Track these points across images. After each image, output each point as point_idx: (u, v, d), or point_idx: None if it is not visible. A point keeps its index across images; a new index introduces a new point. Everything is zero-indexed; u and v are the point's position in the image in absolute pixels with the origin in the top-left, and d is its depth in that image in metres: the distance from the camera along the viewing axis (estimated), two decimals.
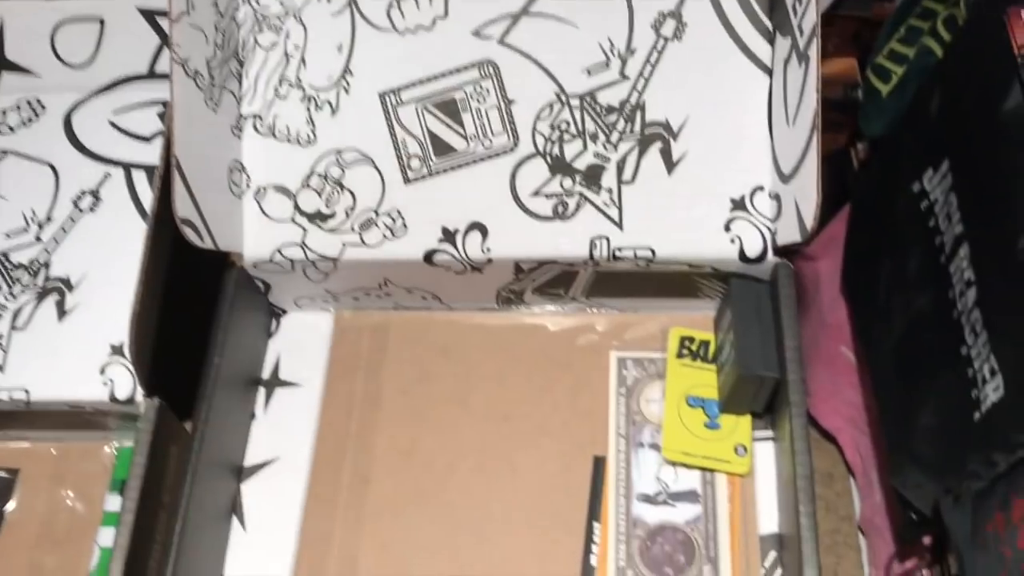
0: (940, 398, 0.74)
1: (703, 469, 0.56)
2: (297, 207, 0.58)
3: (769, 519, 0.55)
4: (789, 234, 0.52)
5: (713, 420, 0.57)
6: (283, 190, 0.59)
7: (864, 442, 0.99)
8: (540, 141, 0.57)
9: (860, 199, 0.91)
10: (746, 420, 0.57)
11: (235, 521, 0.58)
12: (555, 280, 0.59)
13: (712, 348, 0.59)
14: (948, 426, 0.72)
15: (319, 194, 0.58)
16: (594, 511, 0.56)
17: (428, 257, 0.57)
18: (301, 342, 0.63)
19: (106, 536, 0.56)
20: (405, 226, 0.57)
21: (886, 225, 0.85)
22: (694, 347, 0.59)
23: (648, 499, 0.56)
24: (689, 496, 0.56)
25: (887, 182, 0.84)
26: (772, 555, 0.54)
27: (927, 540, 0.81)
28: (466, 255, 0.57)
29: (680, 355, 0.59)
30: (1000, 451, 0.62)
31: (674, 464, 0.56)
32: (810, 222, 0.50)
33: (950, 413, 0.72)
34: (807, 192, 0.49)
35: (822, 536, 1.07)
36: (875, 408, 0.93)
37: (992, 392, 0.66)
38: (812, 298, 1.05)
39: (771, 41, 0.55)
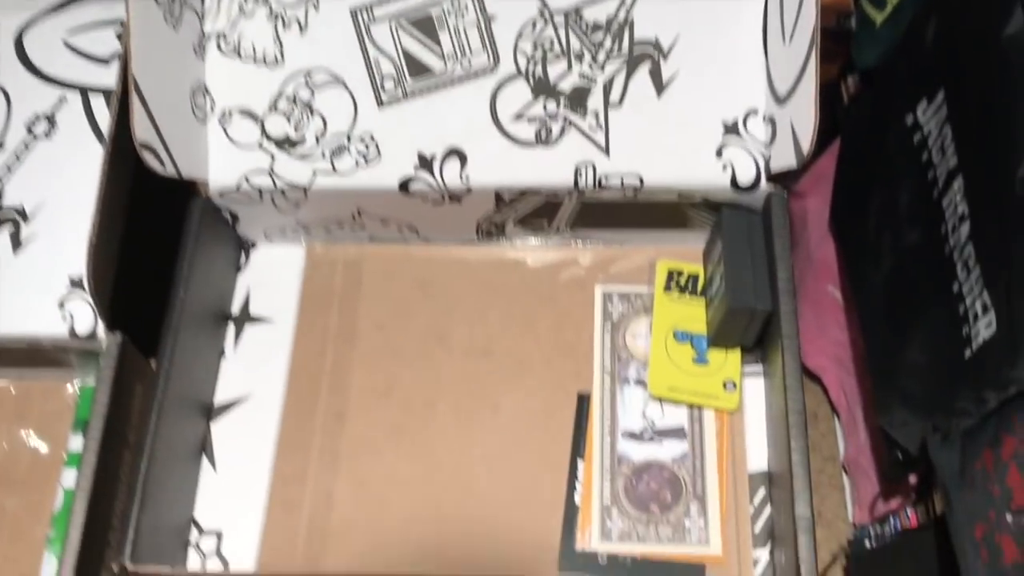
0: (929, 335, 0.73)
1: (690, 405, 0.54)
2: (264, 132, 0.55)
3: (758, 456, 0.54)
4: (784, 160, 0.50)
5: (701, 355, 0.55)
6: (249, 114, 0.55)
7: (849, 381, 0.98)
8: (522, 61, 0.54)
9: (850, 133, 0.89)
10: (735, 355, 0.55)
11: (205, 461, 0.55)
12: (538, 211, 0.56)
13: (701, 281, 0.57)
14: (937, 363, 0.71)
15: (288, 118, 0.55)
16: (578, 449, 0.54)
17: (404, 185, 0.54)
18: (272, 276, 0.60)
19: (69, 477, 0.54)
20: (379, 152, 0.54)
21: (877, 159, 0.82)
22: (682, 280, 0.57)
23: (634, 436, 0.54)
24: (676, 433, 0.54)
25: (879, 114, 0.82)
26: (761, 492, 0.53)
27: (912, 479, 0.80)
28: (444, 183, 0.54)
29: (668, 288, 0.57)
30: (991, 388, 0.61)
31: (660, 400, 0.55)
32: (807, 145, 0.47)
33: (940, 350, 0.70)
34: (804, 113, 0.47)
35: None
36: (862, 346, 0.91)
37: (984, 329, 0.64)
38: (799, 236, 1.03)
39: None
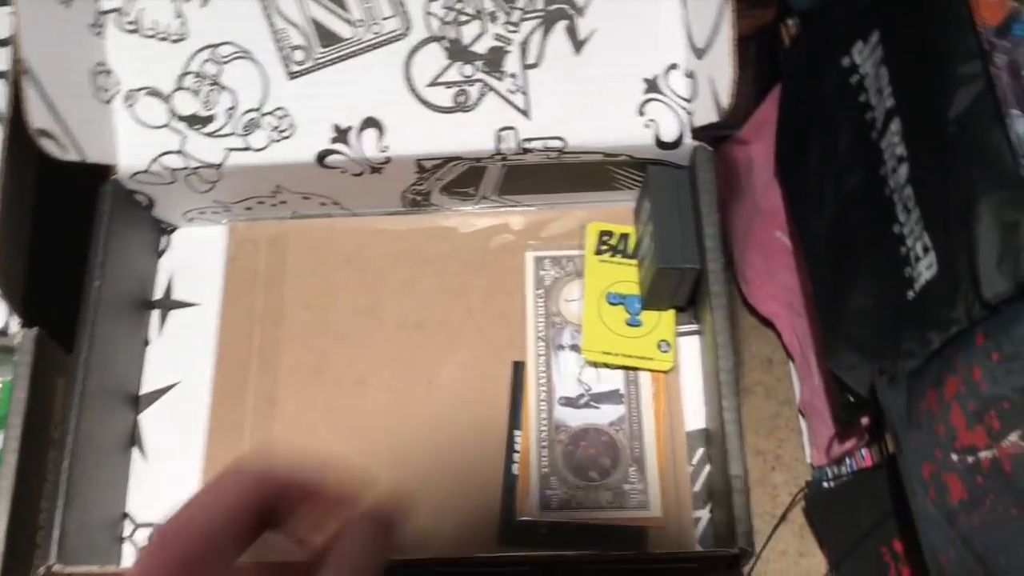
0: (873, 278, 0.73)
1: (626, 368, 0.54)
2: (173, 111, 0.53)
3: (696, 415, 0.53)
4: (706, 115, 0.49)
5: (634, 317, 0.54)
6: (156, 93, 0.53)
7: (802, 326, 0.98)
8: (435, 24, 0.52)
9: (789, 77, 0.88)
10: (669, 315, 0.54)
11: (135, 452, 0.54)
12: (463, 178, 0.55)
13: (632, 242, 0.56)
14: (882, 306, 0.71)
15: (196, 95, 0.53)
16: (515, 418, 0.53)
17: (321, 159, 0.52)
18: (194, 258, 0.58)
19: None
20: (293, 125, 0.52)
21: (816, 103, 0.81)
22: (613, 242, 0.56)
23: (570, 402, 0.53)
24: (612, 397, 0.54)
25: (816, 57, 0.81)
26: (700, 451, 0.53)
27: (865, 421, 0.81)
28: (362, 154, 0.52)
29: (599, 251, 0.56)
30: (934, 329, 0.61)
31: (595, 365, 0.54)
32: (725, 99, 0.46)
33: (883, 293, 0.70)
34: (721, 66, 0.45)
35: (763, 421, 1.08)
36: (809, 290, 0.92)
37: (925, 270, 0.64)
38: (745, 183, 1.02)
39: None
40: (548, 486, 0.52)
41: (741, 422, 0.48)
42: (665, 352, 0.54)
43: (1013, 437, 0.54)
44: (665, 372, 0.54)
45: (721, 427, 0.47)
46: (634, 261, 0.56)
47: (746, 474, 0.46)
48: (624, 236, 0.56)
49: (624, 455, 0.52)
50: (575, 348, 0.54)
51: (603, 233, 0.57)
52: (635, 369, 0.54)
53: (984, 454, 0.59)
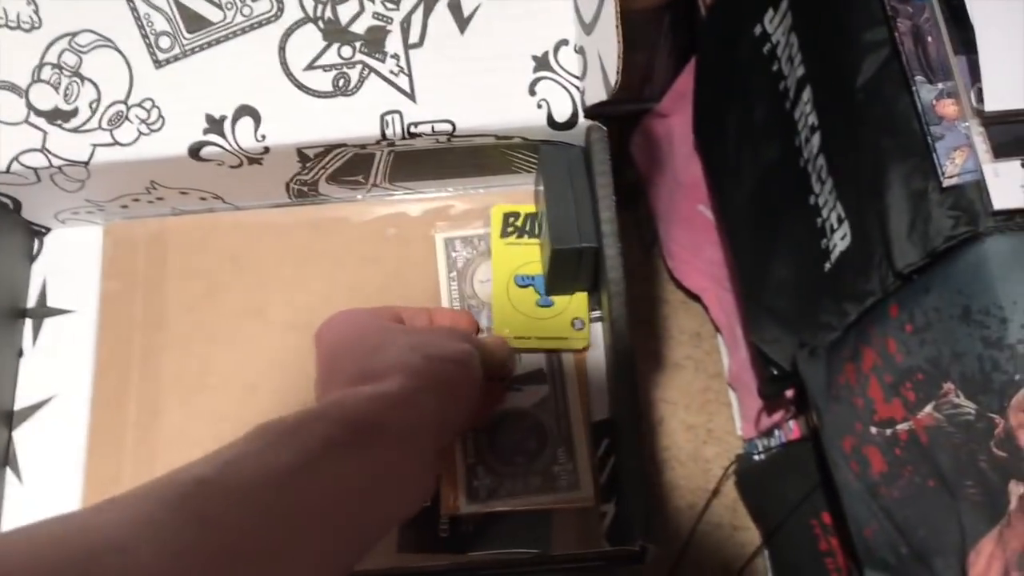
0: (791, 250, 0.71)
1: (540, 351, 0.52)
2: (31, 106, 0.49)
3: (602, 404, 0.51)
4: (595, 92, 0.46)
5: (545, 297, 0.53)
6: (11, 87, 0.49)
7: (728, 300, 0.97)
8: (309, 4, 0.49)
9: (704, 48, 0.86)
10: (581, 291, 0.53)
11: (9, 473, 0.51)
12: (349, 166, 0.52)
13: (537, 225, 0.54)
14: (801, 278, 0.70)
15: (55, 88, 0.49)
16: None
17: (194, 151, 0.49)
18: (69, 262, 0.55)
19: None
20: (162, 117, 0.49)
21: (731, 73, 0.80)
22: (519, 223, 0.54)
23: None
24: (535, 377, 0.51)
25: (730, 27, 0.79)
26: (604, 442, 0.51)
27: (790, 393, 0.80)
28: (238, 145, 0.49)
29: (505, 234, 0.54)
30: (851, 300, 0.60)
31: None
32: (613, 76, 0.44)
33: (802, 265, 0.69)
34: (608, 41, 0.43)
35: (694, 395, 1.07)
36: (733, 264, 0.90)
37: (840, 240, 0.63)
38: (666, 157, 1.00)
39: None
40: (475, 476, 0.49)
41: (638, 412, 0.46)
42: (579, 330, 0.52)
43: (928, 408, 0.53)
44: (582, 351, 0.52)
45: (617, 417, 0.45)
46: (537, 240, 0.54)
47: (643, 465, 0.44)
48: (530, 216, 0.54)
49: (551, 437, 0.50)
50: (492, 331, 0.52)
51: (508, 215, 0.54)
52: (551, 351, 0.52)
53: (902, 426, 0.58)
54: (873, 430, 0.61)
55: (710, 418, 1.01)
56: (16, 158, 0.49)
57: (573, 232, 0.48)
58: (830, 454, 0.66)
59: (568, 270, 0.50)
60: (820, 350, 0.66)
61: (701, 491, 1.00)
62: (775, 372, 0.75)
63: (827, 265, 0.64)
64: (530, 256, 0.53)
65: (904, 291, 0.53)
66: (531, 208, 0.55)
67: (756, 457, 0.94)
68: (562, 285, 0.52)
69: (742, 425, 0.99)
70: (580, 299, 0.53)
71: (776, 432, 0.91)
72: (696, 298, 1.01)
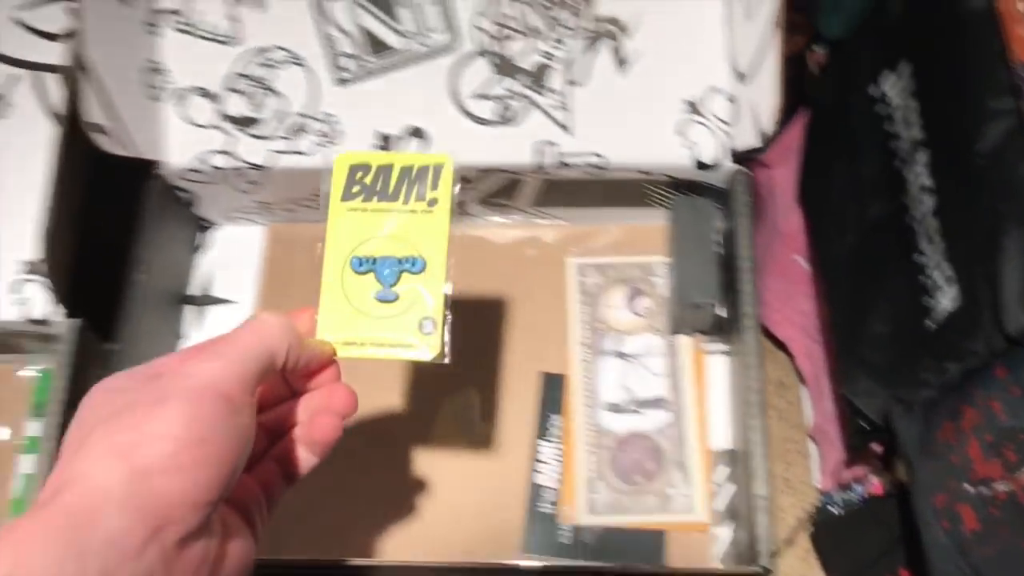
0: (892, 305, 0.73)
1: (376, 360, 0.40)
2: (221, 111, 0.54)
3: (721, 435, 0.54)
4: (746, 138, 0.50)
5: (387, 289, 0.40)
6: (206, 93, 0.54)
7: (816, 351, 0.98)
8: (483, 39, 0.53)
9: (817, 104, 0.89)
10: (435, 280, 0.40)
11: None
12: (501, 190, 0.56)
13: (395, 176, 0.41)
14: (900, 334, 0.72)
15: (245, 97, 0.54)
16: (541, 428, 0.54)
17: None
18: (233, 257, 0.59)
19: (27, 463, 0.53)
20: (339, 132, 0.54)
21: (843, 130, 0.82)
22: (368, 179, 0.40)
23: (615, 408, 0.54)
24: (657, 403, 0.54)
25: (845, 85, 0.82)
26: (723, 470, 0.53)
27: (877, 448, 0.82)
28: None
29: (348, 195, 0.40)
30: (953, 360, 0.62)
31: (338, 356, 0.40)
32: (768, 125, 0.47)
33: (902, 321, 0.71)
34: (766, 93, 0.46)
35: (774, 444, 1.08)
36: (827, 316, 0.92)
37: (945, 300, 0.65)
38: (767, 207, 1.03)
39: None
40: (594, 491, 0.52)
41: (767, 443, 0.48)
42: (428, 334, 0.39)
43: None
44: (433, 361, 0.39)
45: (747, 447, 0.48)
46: (392, 207, 0.40)
47: (770, 495, 0.47)
48: (384, 171, 0.40)
49: (668, 461, 0.53)
50: (620, 354, 0.55)
51: (355, 168, 0.40)
52: (390, 360, 0.40)
53: (1000, 486, 0.60)
54: (968, 488, 0.63)
55: (788, 467, 1.02)
56: (203, 157, 0.54)
57: (696, 287, 0.51)
58: (920, 510, 0.67)
59: (688, 318, 0.53)
60: (916, 406, 0.68)
61: (774, 539, 1.01)
62: (864, 426, 0.76)
63: (929, 323, 0.66)
64: (375, 227, 0.40)
65: (1012, 354, 0.55)
66: (386, 159, 0.41)
67: (833, 510, 0.95)
68: (684, 327, 0.55)
69: (821, 477, 1.00)
70: (432, 291, 0.40)
71: (856, 486, 0.92)
72: (783, 347, 1.03)
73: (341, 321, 0.40)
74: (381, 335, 0.40)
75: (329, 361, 0.39)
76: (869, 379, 0.77)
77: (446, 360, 0.39)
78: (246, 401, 0.32)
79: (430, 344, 0.40)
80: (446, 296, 0.39)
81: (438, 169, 0.41)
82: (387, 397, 0.55)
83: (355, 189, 0.40)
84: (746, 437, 0.48)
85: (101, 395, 0.31)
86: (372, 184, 0.40)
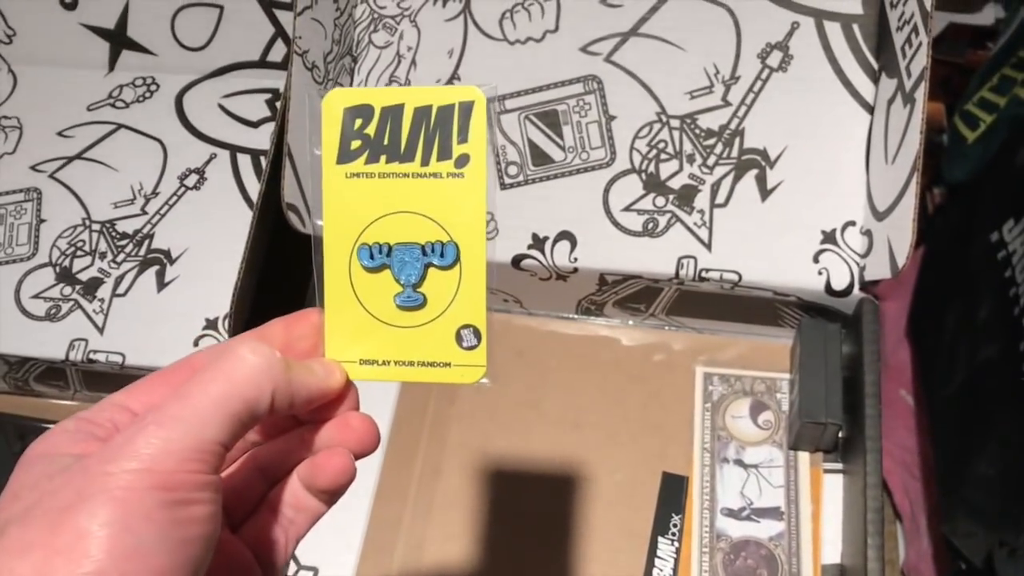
0: (1000, 449, 0.74)
1: (404, 381, 0.32)
2: None
3: (831, 550, 0.56)
4: (879, 271, 0.53)
5: (410, 290, 0.31)
6: None
7: (915, 487, 0.98)
8: (637, 158, 0.58)
9: (935, 243, 0.92)
10: (475, 268, 0.32)
11: None
12: (637, 295, 0.60)
13: (406, 125, 0.31)
14: (1008, 478, 0.72)
15: None
16: (660, 527, 0.57)
17: (516, 261, 0.58)
18: None
19: None
20: (497, 229, 0.59)
21: (959, 271, 0.85)
22: (371, 128, 0.31)
23: (732, 514, 0.56)
24: (773, 512, 0.56)
25: (964, 229, 0.84)
26: None
27: None
28: (553, 262, 0.58)
29: (346, 155, 0.31)
30: None
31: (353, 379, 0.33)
32: (903, 260, 0.50)
33: (1010, 466, 0.72)
34: (903, 231, 0.50)
35: None
36: (930, 453, 0.93)
37: None
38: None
39: (875, 80, 0.56)
40: None
41: (884, 561, 0.50)
42: (470, 348, 0.31)
43: None
44: (473, 383, 0.32)
45: (864, 564, 0.50)
46: (410, 170, 0.31)
47: None
48: (392, 114, 0.30)
49: (782, 570, 0.55)
50: (739, 463, 0.58)
51: (353, 113, 0.31)
52: (422, 382, 0.33)
53: None
54: None
55: None
56: None
57: (821, 406, 0.54)
58: None
59: (813, 436, 0.56)
60: (1021, 552, 0.68)
61: None
62: (964, 567, 0.76)
63: None
64: (393, 201, 0.30)
65: None
66: (398, 95, 0.31)
67: None
68: (806, 445, 0.57)
69: None
70: (473, 286, 0.31)
71: None
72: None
73: (354, 334, 0.31)
74: (407, 351, 0.31)
75: (337, 393, 0.31)
76: (972, 521, 0.77)
77: (485, 381, 0.31)
78: (203, 483, 0.25)
79: (472, 361, 0.31)
80: (490, 293, 0.30)
81: (466, 110, 0.30)
82: (516, 477, 0.59)
83: (355, 144, 0.31)
84: (864, 555, 0.49)
85: (37, 464, 0.25)
86: (377, 136, 0.30)
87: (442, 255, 0.30)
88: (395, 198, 0.30)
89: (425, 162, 0.30)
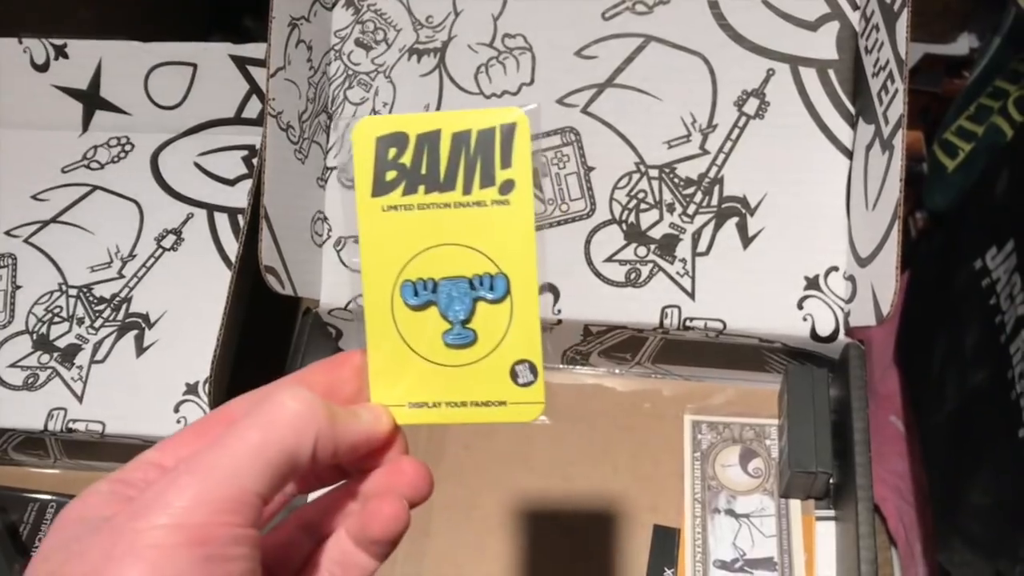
0: (994, 478, 0.74)
1: (456, 424, 0.30)
2: None
3: None
4: (863, 317, 0.53)
5: (459, 327, 0.30)
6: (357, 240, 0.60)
7: (909, 513, 0.98)
8: (617, 208, 0.58)
9: (919, 271, 0.92)
10: (528, 300, 0.31)
11: None
12: (622, 344, 0.60)
13: (444, 152, 0.29)
14: (1002, 508, 0.72)
15: None
16: None
17: None
18: None
19: None
20: None
21: (944, 299, 0.85)
22: (407, 158, 0.29)
23: (725, 566, 0.56)
24: (766, 564, 0.56)
25: (948, 256, 0.85)
26: None
27: None
28: None
29: (381, 187, 0.29)
30: None
31: (400, 424, 0.32)
32: (887, 308, 0.50)
33: (1005, 496, 0.71)
34: (886, 278, 0.50)
35: None
36: (923, 478, 0.92)
37: None
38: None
39: (853, 125, 0.56)
40: None
41: None
42: (527, 384, 0.30)
43: None
44: (532, 422, 0.32)
45: None
46: (450, 200, 0.29)
47: None
48: (429, 141, 0.29)
49: None
50: (731, 512, 0.57)
51: (386, 142, 0.29)
52: (475, 423, 0.31)
53: None
54: None
55: None
56: (354, 299, 0.59)
57: (811, 456, 0.54)
58: None
59: (803, 484, 0.55)
60: None
61: None
62: None
63: None
64: (434, 234, 0.29)
65: None
66: (434, 121, 0.29)
67: None
68: (798, 493, 0.57)
69: None
70: (527, 318, 0.31)
71: None
72: (874, 508, 1.03)
73: (400, 376, 0.29)
74: (459, 391, 0.29)
75: (386, 439, 0.29)
76: (968, 550, 0.77)
77: (543, 419, 0.30)
78: (239, 538, 0.23)
79: (529, 399, 0.30)
80: (545, 326, 0.29)
81: (508, 133, 0.28)
82: (505, 533, 0.58)
83: (390, 175, 0.28)
84: None
85: (69, 528, 0.24)
86: (414, 165, 0.28)
87: (492, 288, 0.29)
88: (437, 230, 0.29)
89: (467, 190, 0.28)
